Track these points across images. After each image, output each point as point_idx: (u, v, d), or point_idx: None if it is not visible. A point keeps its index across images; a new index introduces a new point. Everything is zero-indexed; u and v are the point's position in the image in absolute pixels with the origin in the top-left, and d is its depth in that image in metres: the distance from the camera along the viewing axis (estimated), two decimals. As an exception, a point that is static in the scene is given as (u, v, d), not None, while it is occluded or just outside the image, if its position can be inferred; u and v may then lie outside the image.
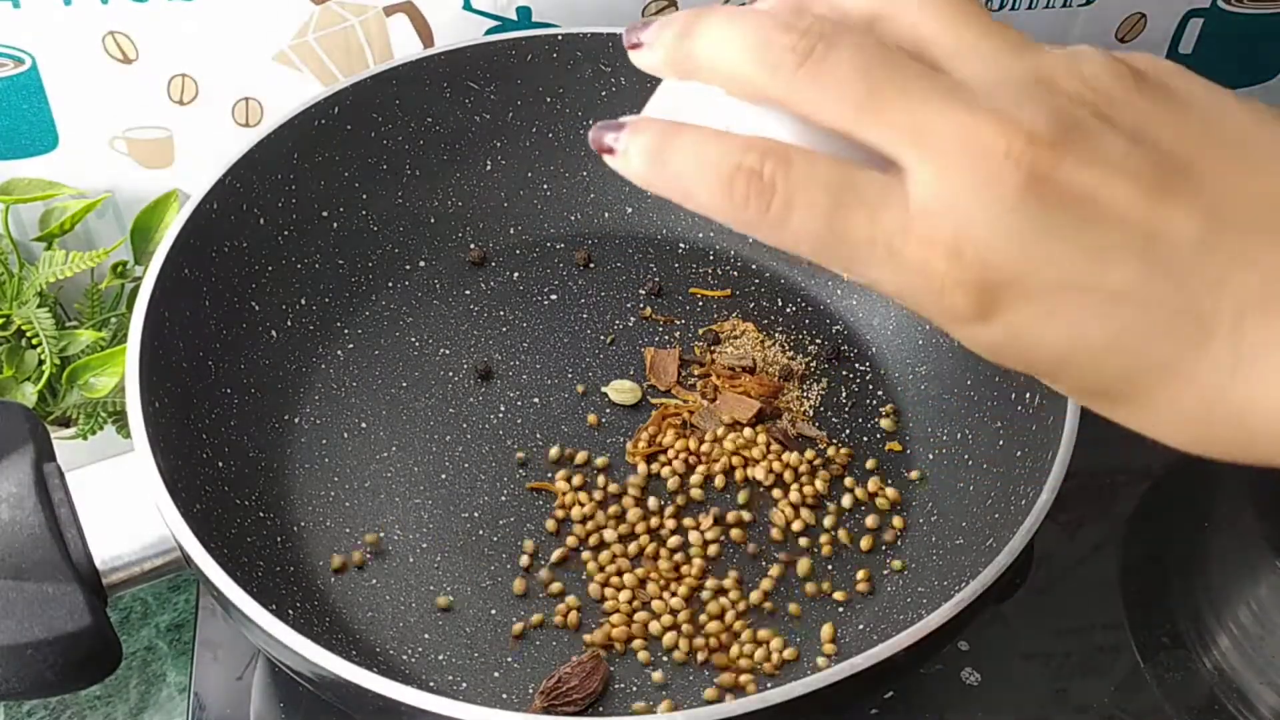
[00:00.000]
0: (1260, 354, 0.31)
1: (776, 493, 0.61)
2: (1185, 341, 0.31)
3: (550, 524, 0.59)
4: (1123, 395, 0.33)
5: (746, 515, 0.60)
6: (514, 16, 0.70)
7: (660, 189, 0.35)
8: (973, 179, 0.31)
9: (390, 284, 0.68)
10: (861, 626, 0.57)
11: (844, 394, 0.65)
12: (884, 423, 0.63)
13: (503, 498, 0.60)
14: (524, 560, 0.58)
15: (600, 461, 0.62)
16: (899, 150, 0.32)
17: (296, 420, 0.62)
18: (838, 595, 0.57)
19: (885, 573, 0.58)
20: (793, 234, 0.33)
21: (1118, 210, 0.31)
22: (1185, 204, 0.31)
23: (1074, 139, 0.31)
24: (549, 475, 0.61)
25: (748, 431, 0.62)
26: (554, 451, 0.62)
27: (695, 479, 0.61)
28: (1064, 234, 0.31)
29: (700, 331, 0.67)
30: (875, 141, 0.33)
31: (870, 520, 0.60)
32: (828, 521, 0.60)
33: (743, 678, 0.55)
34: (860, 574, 0.58)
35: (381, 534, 0.59)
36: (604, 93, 0.69)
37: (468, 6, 0.69)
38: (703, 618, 0.57)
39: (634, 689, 0.55)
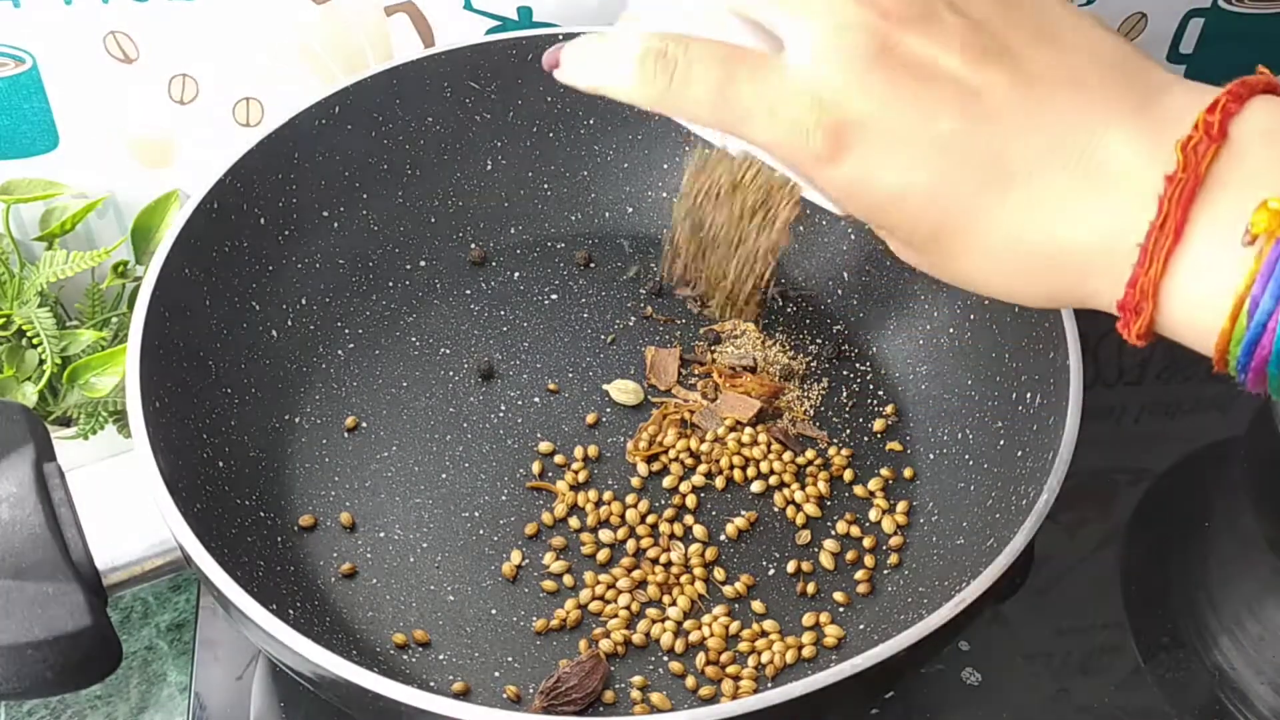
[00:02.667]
0: (1046, 200, 0.38)
1: (777, 493, 0.61)
2: (993, 187, 0.38)
3: (550, 523, 0.59)
4: (945, 239, 0.40)
5: (747, 515, 0.60)
6: (514, 16, 0.70)
7: (592, 83, 0.43)
8: (837, 45, 0.39)
9: (390, 284, 0.68)
10: (862, 626, 0.57)
11: (844, 394, 0.65)
12: (884, 423, 0.63)
13: (503, 497, 0.60)
14: (524, 560, 0.58)
15: (601, 461, 0.62)
16: (783, 24, 0.40)
17: (296, 420, 0.62)
18: (838, 595, 0.57)
19: (885, 573, 0.58)
20: (692, 102, 0.41)
21: (948, 74, 0.39)
22: (1003, 73, 0.39)
23: (922, 18, 0.39)
24: (549, 475, 0.61)
25: (748, 431, 0.62)
26: (552, 450, 0.62)
27: (696, 479, 0.61)
28: (903, 90, 0.39)
29: (701, 331, 0.67)
30: (766, 18, 0.41)
31: (870, 520, 0.60)
32: (828, 521, 0.60)
33: (743, 677, 0.55)
34: (860, 574, 0.58)
35: (381, 533, 0.59)
36: (604, 92, 0.69)
37: (468, 6, 0.69)
38: (704, 618, 0.57)
39: (634, 689, 0.55)
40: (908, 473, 0.62)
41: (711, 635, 0.56)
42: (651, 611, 0.57)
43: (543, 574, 0.58)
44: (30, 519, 0.49)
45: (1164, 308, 0.37)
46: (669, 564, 0.58)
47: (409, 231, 0.69)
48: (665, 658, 0.56)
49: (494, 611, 0.57)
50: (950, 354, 0.64)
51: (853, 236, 0.68)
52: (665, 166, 0.71)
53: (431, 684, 0.54)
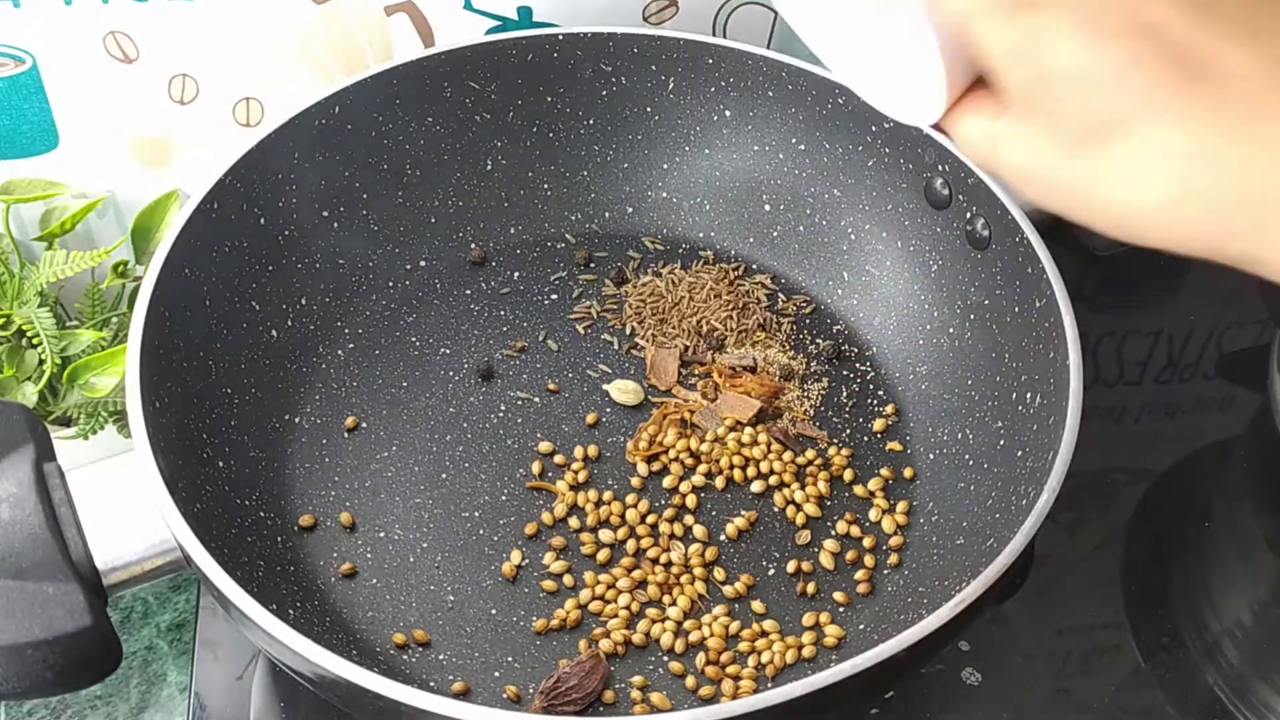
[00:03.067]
0: (1237, 117, 0.33)
1: (777, 493, 0.61)
2: (1181, 81, 0.33)
3: (550, 523, 0.59)
4: (1105, 136, 0.35)
5: (747, 515, 0.60)
6: (514, 16, 0.70)
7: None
8: None
9: (390, 284, 0.68)
10: (862, 626, 0.57)
11: (844, 394, 0.65)
12: (884, 423, 0.63)
13: (503, 497, 0.60)
14: (524, 560, 0.58)
15: (601, 461, 0.62)
16: None
17: (296, 420, 0.62)
18: (838, 595, 0.57)
19: (885, 573, 0.58)
20: None
21: None
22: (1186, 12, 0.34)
23: None
24: (549, 475, 0.61)
25: (748, 431, 0.62)
26: (552, 450, 0.62)
27: (696, 479, 0.61)
28: None
29: (704, 332, 0.67)
30: None
31: (870, 520, 0.60)
32: (828, 521, 0.60)
33: (743, 677, 0.55)
34: (860, 574, 0.58)
35: (381, 533, 0.59)
36: (604, 93, 0.69)
37: (468, 6, 0.69)
38: (704, 618, 0.57)
39: (634, 689, 0.55)
40: (908, 473, 0.62)
41: (711, 635, 0.56)
42: (651, 611, 0.57)
43: (543, 574, 0.58)
44: (30, 519, 0.49)
45: None
46: (669, 564, 0.58)
47: (409, 231, 0.69)
48: (665, 658, 0.56)
49: (494, 611, 0.57)
50: (950, 354, 0.64)
51: (853, 237, 0.68)
52: (665, 166, 0.71)
53: (431, 684, 0.54)
